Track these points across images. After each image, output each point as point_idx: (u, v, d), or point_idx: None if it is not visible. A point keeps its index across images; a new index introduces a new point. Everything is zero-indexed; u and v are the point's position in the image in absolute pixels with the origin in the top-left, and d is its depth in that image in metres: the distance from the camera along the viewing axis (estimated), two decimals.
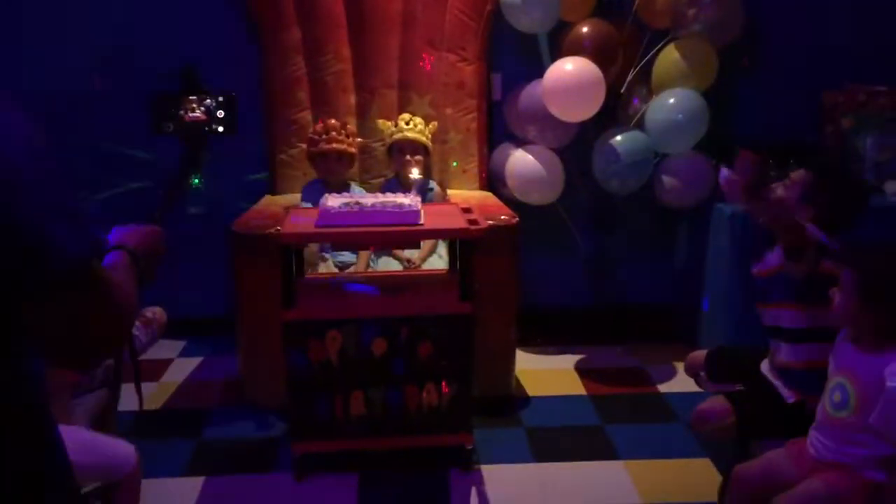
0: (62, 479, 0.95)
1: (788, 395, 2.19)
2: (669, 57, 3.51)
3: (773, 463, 1.98)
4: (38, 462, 0.92)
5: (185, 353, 3.90)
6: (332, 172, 3.41)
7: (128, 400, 2.68)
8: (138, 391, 1.42)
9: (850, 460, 1.84)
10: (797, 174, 2.24)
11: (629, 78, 3.59)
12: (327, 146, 3.38)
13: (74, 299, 0.85)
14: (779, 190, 2.20)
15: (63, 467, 0.95)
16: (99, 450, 1.94)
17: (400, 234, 2.67)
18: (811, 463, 1.90)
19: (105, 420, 2.42)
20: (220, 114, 1.19)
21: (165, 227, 1.04)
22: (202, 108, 1.19)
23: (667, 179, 3.57)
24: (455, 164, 3.73)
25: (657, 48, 3.54)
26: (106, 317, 0.89)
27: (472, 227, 2.64)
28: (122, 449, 2.05)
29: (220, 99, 1.19)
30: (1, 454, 0.86)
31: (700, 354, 2.59)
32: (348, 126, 3.52)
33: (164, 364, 3.75)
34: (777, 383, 2.23)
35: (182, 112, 1.19)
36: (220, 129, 1.18)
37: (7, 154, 0.79)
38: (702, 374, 2.56)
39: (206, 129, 1.18)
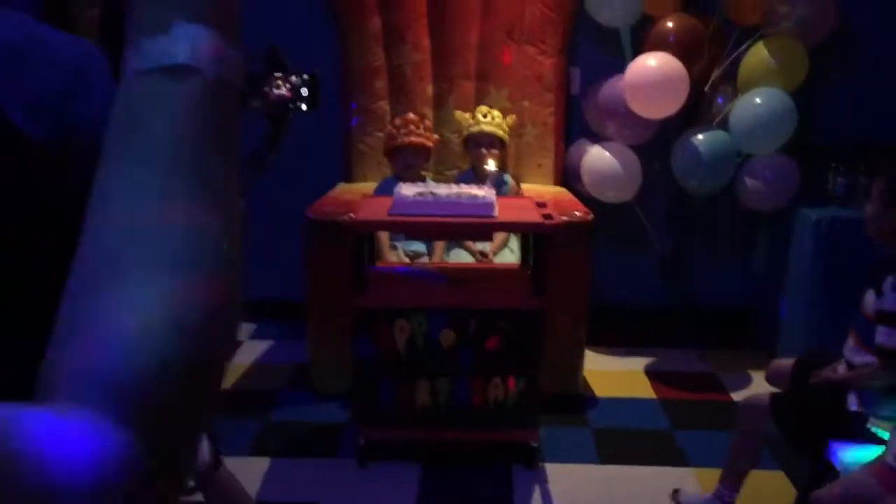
0: None
1: (853, 404, 2.13)
2: (757, 55, 3.39)
3: (856, 484, 1.89)
4: None
5: (256, 336, 3.96)
6: (409, 166, 3.40)
7: None
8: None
9: None
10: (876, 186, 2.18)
11: (714, 75, 3.49)
12: (406, 139, 3.38)
13: None
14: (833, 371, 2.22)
15: None
16: None
17: (473, 225, 2.64)
18: None
19: None
20: (304, 91, 1.18)
21: (247, 204, 1.03)
22: (287, 86, 1.18)
23: (750, 181, 3.46)
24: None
25: (745, 45, 3.43)
26: None
27: (547, 222, 2.60)
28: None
29: (305, 77, 1.18)
30: None
31: (786, 364, 2.49)
32: (426, 120, 3.52)
33: (235, 345, 3.82)
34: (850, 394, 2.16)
35: (268, 89, 1.18)
36: (304, 106, 1.17)
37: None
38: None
39: (291, 106, 1.17)
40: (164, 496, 0.41)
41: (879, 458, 1.89)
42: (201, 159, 0.47)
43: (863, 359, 2.15)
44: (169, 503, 0.42)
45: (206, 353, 0.44)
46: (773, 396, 2.24)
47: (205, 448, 1.99)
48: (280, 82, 1.19)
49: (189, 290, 0.44)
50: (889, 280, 2.04)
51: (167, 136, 0.46)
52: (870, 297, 2.12)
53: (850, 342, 2.21)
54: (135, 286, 0.43)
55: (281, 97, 1.18)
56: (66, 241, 0.47)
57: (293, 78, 1.19)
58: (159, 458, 0.40)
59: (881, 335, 2.06)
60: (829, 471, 2.12)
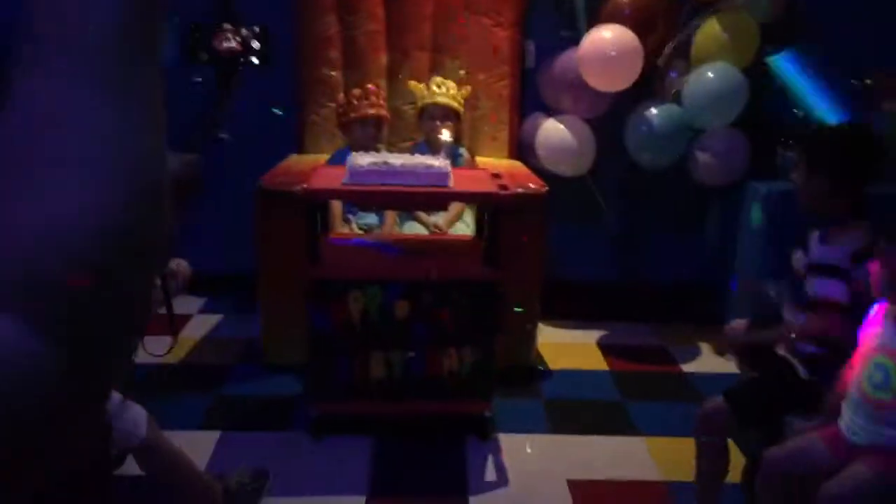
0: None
1: (804, 373, 2.18)
2: (710, 30, 3.41)
3: (806, 447, 1.93)
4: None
5: (205, 310, 3.89)
6: (369, 137, 3.36)
7: (141, 352, 2.69)
8: (174, 334, 1.38)
9: (891, 442, 1.78)
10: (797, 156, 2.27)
11: (667, 50, 3.50)
12: (371, 111, 3.33)
13: None
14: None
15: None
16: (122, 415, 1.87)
17: (428, 195, 2.62)
18: (847, 447, 1.84)
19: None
20: (255, 45, 1.14)
21: (203, 155, 0.99)
22: (237, 39, 1.13)
23: (701, 156, 3.49)
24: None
25: (698, 20, 3.44)
26: None
27: (502, 192, 2.59)
28: (137, 414, 1.98)
29: (256, 29, 1.14)
30: None
31: (741, 324, 2.50)
32: (381, 91, 3.48)
33: (185, 319, 3.74)
34: (794, 361, 2.20)
35: (217, 42, 1.14)
36: (255, 59, 1.13)
37: None
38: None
39: (242, 59, 1.13)
40: (82, 399, 0.40)
41: (831, 423, 1.93)
42: (120, 53, 0.44)
43: (798, 320, 2.20)
44: (91, 411, 0.41)
45: (120, 254, 0.42)
46: (727, 394, 2.21)
47: (141, 419, 1.94)
48: (230, 35, 1.15)
49: (101, 189, 0.41)
50: (814, 235, 2.10)
51: (83, 34, 0.44)
52: (798, 255, 2.20)
53: (788, 312, 2.26)
54: (45, 184, 0.41)
55: (231, 50, 1.14)
56: None
57: (243, 30, 1.14)
58: (72, 359, 0.39)
59: (815, 286, 2.11)
60: (779, 436, 2.15)
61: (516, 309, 3.04)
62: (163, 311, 1.28)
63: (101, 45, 0.43)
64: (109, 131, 0.43)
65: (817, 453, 1.88)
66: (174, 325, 1.35)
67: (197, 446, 2.68)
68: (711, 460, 2.26)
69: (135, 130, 0.44)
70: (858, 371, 1.87)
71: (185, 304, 3.83)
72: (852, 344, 1.94)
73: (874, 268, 1.88)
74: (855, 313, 2.04)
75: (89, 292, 0.40)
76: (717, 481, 2.28)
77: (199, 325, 3.72)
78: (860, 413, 1.85)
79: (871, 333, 1.88)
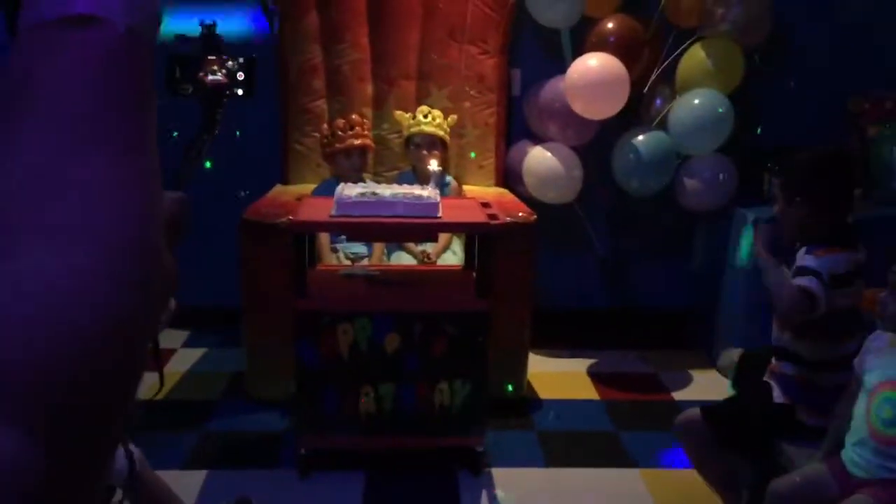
0: None
1: (778, 396, 2.17)
2: (695, 56, 3.42)
3: (812, 478, 1.89)
4: None
5: (189, 344, 3.82)
6: (354, 168, 3.33)
7: None
8: (160, 372, 1.33)
9: None
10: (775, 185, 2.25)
11: (653, 77, 3.50)
12: (356, 142, 3.31)
13: None
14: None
15: None
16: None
17: (418, 226, 2.58)
18: (854, 481, 1.81)
19: None
20: (240, 76, 1.10)
21: (187, 192, 0.95)
22: (223, 71, 1.10)
23: (688, 181, 3.48)
24: (473, 154, 3.64)
25: (683, 47, 3.46)
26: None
27: (493, 222, 2.56)
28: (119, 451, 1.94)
29: (241, 60, 1.10)
30: None
31: (735, 353, 2.49)
32: (366, 120, 3.46)
33: (168, 354, 3.67)
34: (773, 383, 2.20)
35: (202, 74, 1.10)
36: (240, 91, 1.09)
37: None
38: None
39: (227, 91, 1.09)
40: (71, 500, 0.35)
41: (835, 454, 1.89)
42: (107, 118, 0.40)
43: (785, 338, 2.18)
44: None
45: (110, 336, 0.37)
46: (703, 409, 2.23)
47: (119, 454, 1.88)
48: (216, 67, 1.11)
49: (90, 261, 0.37)
50: (802, 250, 2.09)
51: (69, 92, 0.40)
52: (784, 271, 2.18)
53: (774, 329, 2.24)
54: (26, 257, 0.36)
55: (216, 83, 1.11)
56: None
57: (229, 62, 1.11)
58: (58, 458, 0.34)
59: (801, 280, 2.08)
60: (775, 468, 2.12)
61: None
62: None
63: (83, 111, 0.40)
64: (98, 197, 0.39)
65: (825, 486, 1.85)
66: (160, 363, 1.30)
67: (184, 485, 2.61)
68: (709, 466, 2.28)
69: (131, 196, 0.40)
70: (865, 406, 1.83)
71: (168, 337, 3.75)
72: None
73: (871, 296, 1.86)
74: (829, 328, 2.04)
75: (79, 388, 0.35)
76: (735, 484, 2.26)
77: (183, 359, 3.64)
78: (867, 448, 1.81)
79: (872, 364, 1.86)
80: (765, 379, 2.25)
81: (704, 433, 2.19)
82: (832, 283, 2.02)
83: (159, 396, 2.14)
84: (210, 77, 1.13)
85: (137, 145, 0.42)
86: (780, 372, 2.20)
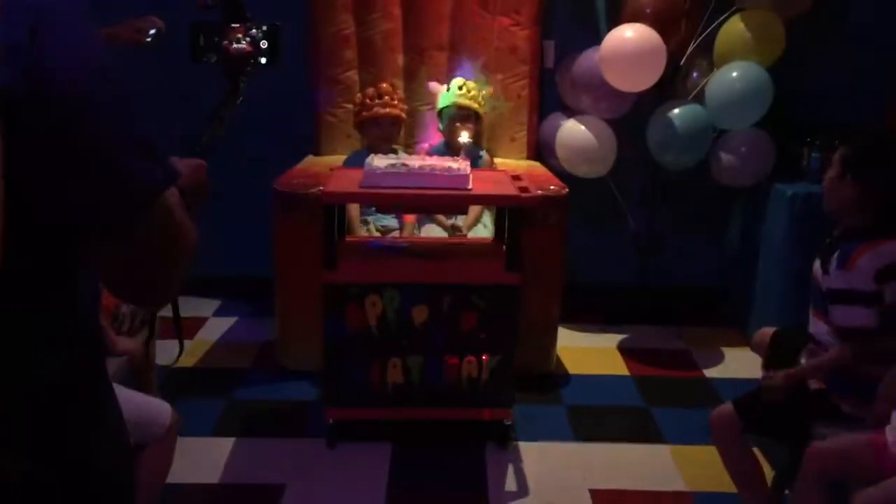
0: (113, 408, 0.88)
1: (813, 382, 2.13)
2: (734, 28, 3.34)
3: (853, 449, 1.87)
4: (94, 380, 0.85)
5: (219, 313, 3.85)
6: (384, 138, 3.31)
7: (159, 355, 2.66)
8: (180, 339, 1.34)
9: None
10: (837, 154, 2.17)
11: (690, 49, 3.43)
12: (382, 110, 3.28)
13: (142, 234, 0.76)
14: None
15: (111, 397, 0.88)
16: (135, 407, 1.85)
17: (448, 197, 2.56)
18: (893, 458, 1.77)
19: (141, 376, 2.36)
20: (264, 44, 1.09)
21: (209, 160, 0.94)
22: (247, 39, 1.08)
23: (725, 157, 3.41)
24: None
25: (721, 18, 3.37)
26: (173, 256, 0.82)
27: (523, 195, 2.53)
28: (157, 407, 1.98)
29: (265, 28, 1.09)
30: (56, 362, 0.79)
31: (767, 332, 2.44)
32: (398, 90, 3.43)
33: (199, 322, 3.71)
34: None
35: (227, 43, 1.09)
36: (263, 59, 1.09)
37: (78, 74, 0.70)
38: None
39: (252, 60, 1.08)
40: None
41: (880, 430, 1.86)
42: None
43: (820, 330, 2.14)
44: None
45: None
46: (735, 402, 2.19)
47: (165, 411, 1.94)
48: (240, 35, 1.10)
49: None
50: (835, 256, 2.02)
51: None
52: (817, 268, 2.14)
53: (813, 322, 2.20)
54: None
55: (240, 52, 1.10)
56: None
57: (252, 30, 1.10)
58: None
59: (836, 315, 2.04)
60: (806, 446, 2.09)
61: None
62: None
63: None
64: None
65: (865, 458, 1.82)
66: (181, 332, 1.31)
67: (211, 453, 2.65)
68: (736, 462, 2.23)
69: None
70: None
71: (199, 306, 3.80)
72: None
73: None
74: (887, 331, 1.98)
75: None
76: (759, 483, 2.22)
77: (214, 328, 3.68)
78: None
79: None
80: (801, 360, 2.20)
81: (737, 427, 2.16)
82: (878, 279, 1.97)
83: (186, 363, 2.16)
84: (234, 45, 1.13)
85: None
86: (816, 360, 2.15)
